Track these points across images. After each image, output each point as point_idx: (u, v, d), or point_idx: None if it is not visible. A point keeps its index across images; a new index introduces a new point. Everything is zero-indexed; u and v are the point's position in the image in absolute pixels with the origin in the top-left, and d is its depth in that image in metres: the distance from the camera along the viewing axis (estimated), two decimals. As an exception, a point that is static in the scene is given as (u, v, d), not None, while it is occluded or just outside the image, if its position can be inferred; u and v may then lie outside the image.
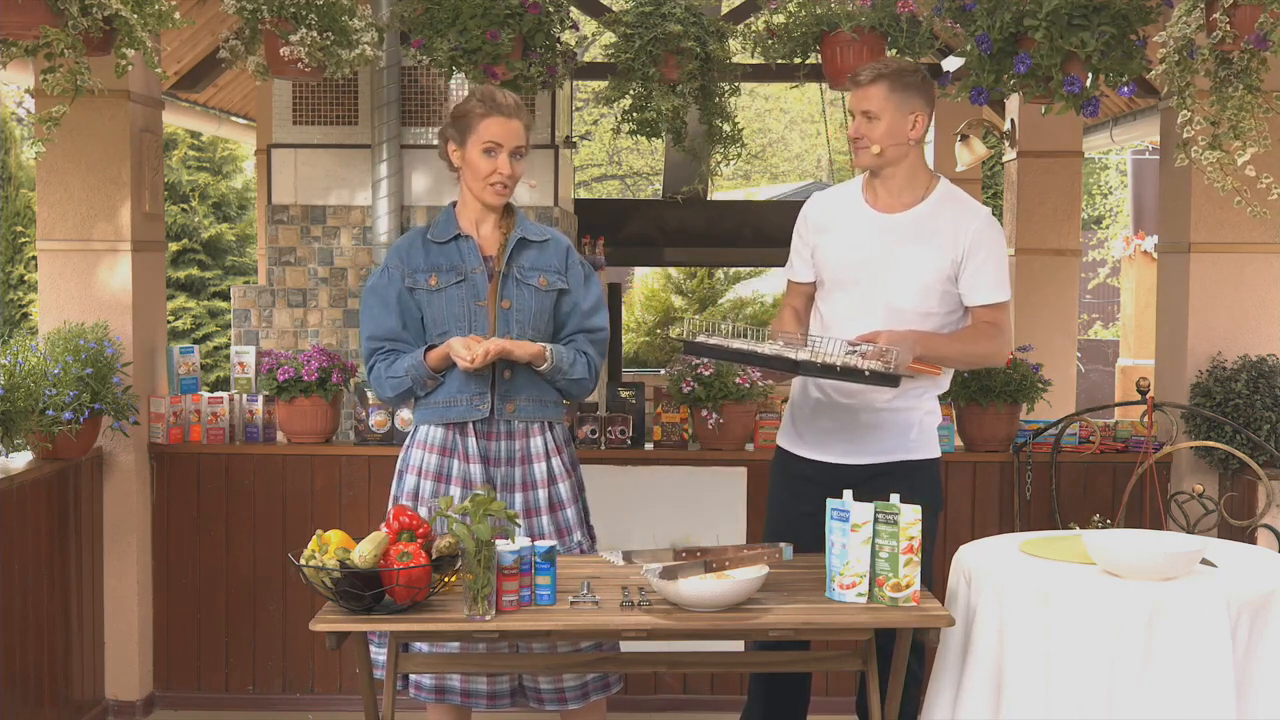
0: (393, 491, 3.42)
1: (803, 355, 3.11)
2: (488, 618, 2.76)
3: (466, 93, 3.50)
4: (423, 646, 3.20)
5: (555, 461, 3.37)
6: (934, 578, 3.26)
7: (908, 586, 2.85)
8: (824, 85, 5.38)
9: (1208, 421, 4.29)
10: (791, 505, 3.47)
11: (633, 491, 4.49)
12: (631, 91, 4.35)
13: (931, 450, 3.47)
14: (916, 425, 3.44)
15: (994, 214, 3.47)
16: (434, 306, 3.31)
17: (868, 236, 3.40)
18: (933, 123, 9.49)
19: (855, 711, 3.61)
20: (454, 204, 3.42)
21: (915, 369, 3.26)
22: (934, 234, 3.36)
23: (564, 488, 3.37)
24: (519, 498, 3.32)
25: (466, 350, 3.18)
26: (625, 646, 3.34)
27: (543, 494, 3.34)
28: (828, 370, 3.09)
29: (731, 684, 4.57)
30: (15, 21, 3.26)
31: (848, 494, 2.95)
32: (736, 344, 3.17)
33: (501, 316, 3.30)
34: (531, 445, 3.34)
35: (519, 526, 3.02)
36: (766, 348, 3.17)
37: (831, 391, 3.42)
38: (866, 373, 3.08)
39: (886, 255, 3.36)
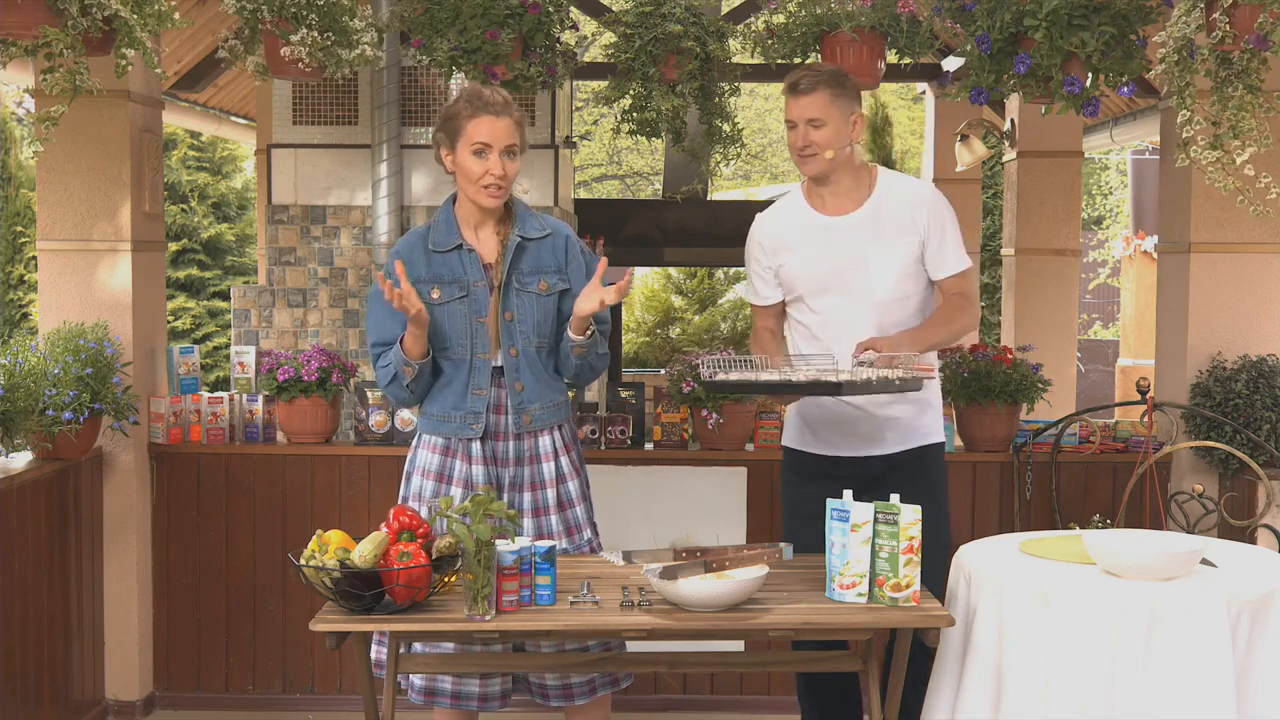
0: (401, 493, 3.41)
1: (843, 377, 3.09)
2: (488, 618, 2.76)
3: (461, 92, 3.47)
4: (418, 646, 3.19)
5: (564, 460, 3.35)
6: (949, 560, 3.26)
7: (908, 586, 2.85)
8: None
9: (1208, 421, 4.29)
10: (812, 504, 3.38)
11: (633, 491, 4.49)
12: (631, 91, 4.35)
13: (940, 434, 3.56)
14: (932, 408, 3.52)
15: (994, 214, 3.48)
16: (436, 320, 3.25)
17: (831, 243, 3.43)
18: (933, 122, 9.44)
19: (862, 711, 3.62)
20: (453, 198, 3.34)
21: (918, 371, 3.27)
22: (894, 222, 3.42)
23: (573, 486, 3.36)
24: (528, 497, 3.31)
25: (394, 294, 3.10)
26: (625, 646, 3.34)
27: (551, 493, 3.33)
28: (867, 386, 3.08)
29: (731, 684, 4.57)
30: (15, 21, 3.26)
31: (848, 494, 2.95)
32: (766, 376, 3.15)
33: (505, 329, 3.26)
34: (540, 444, 3.33)
35: (520, 527, 3.01)
36: (801, 375, 3.14)
37: None
38: (897, 381, 3.11)
39: (857, 255, 3.40)
